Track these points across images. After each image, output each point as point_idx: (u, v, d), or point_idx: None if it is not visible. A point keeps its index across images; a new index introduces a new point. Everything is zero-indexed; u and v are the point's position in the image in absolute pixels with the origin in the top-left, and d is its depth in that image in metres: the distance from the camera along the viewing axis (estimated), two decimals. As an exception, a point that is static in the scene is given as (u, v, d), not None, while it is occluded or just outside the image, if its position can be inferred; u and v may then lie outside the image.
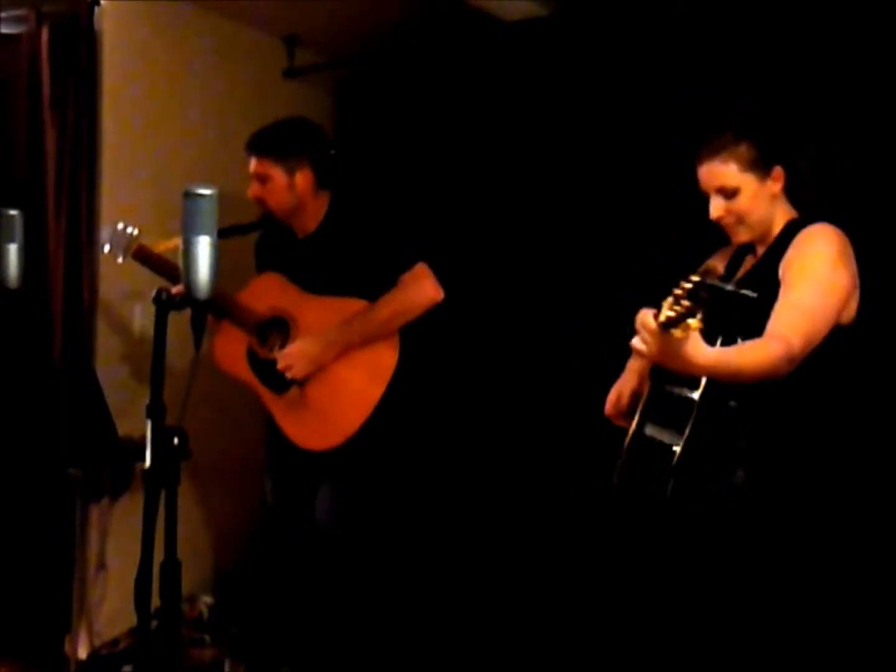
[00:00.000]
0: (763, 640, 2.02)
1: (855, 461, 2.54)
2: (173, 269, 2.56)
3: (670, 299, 1.54)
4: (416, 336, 2.67)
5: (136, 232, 2.62)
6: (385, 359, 2.61)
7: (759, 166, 2.03)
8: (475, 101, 3.58)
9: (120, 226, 2.63)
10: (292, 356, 2.57)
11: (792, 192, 2.13)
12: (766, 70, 2.80)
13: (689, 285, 1.50)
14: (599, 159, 3.23)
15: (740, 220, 2.07)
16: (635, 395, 2.31)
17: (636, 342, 1.72)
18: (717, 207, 2.07)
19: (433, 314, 2.65)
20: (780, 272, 1.99)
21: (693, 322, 1.51)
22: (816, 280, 1.93)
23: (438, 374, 3.39)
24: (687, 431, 1.90)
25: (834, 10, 2.72)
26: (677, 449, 1.90)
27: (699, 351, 1.69)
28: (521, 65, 3.45)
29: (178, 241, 2.41)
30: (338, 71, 3.89)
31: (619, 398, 2.31)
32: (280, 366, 2.58)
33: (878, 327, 2.62)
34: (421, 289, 2.62)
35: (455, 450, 3.54)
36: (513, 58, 3.45)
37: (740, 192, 2.04)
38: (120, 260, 2.65)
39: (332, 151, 2.71)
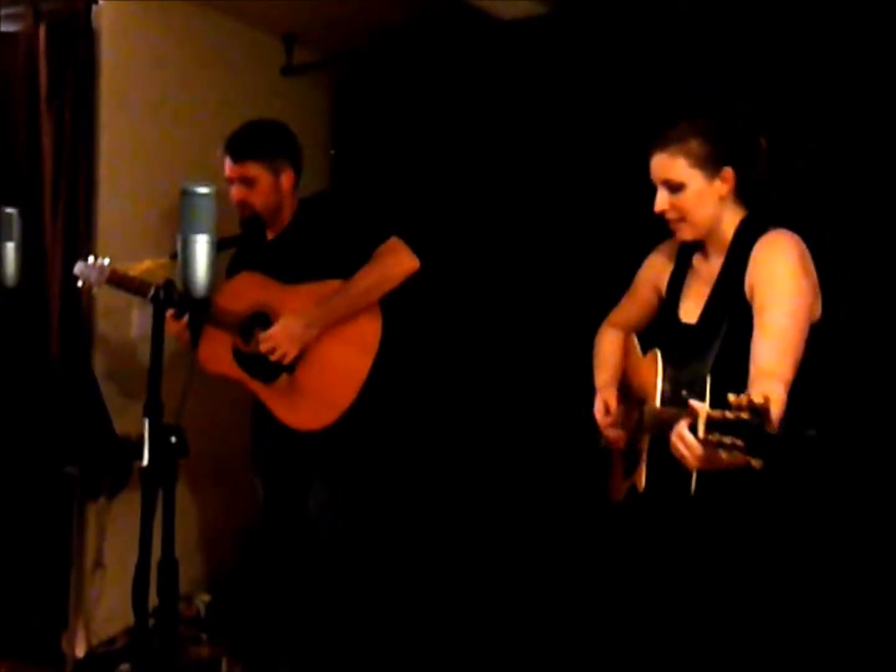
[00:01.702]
0: (784, 641, 2.03)
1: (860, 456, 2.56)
2: (147, 288, 2.56)
3: (704, 419, 1.51)
4: (409, 318, 2.72)
5: (106, 262, 2.66)
6: (369, 330, 2.62)
7: (709, 164, 2.00)
8: (473, 100, 3.58)
9: (91, 260, 2.69)
10: (275, 337, 2.56)
11: (791, 192, 2.13)
12: (767, 70, 2.80)
13: (736, 417, 1.47)
14: (598, 158, 3.23)
15: (683, 216, 2.04)
16: (622, 407, 2.31)
17: (680, 451, 1.70)
18: (661, 200, 2.04)
19: (429, 303, 2.67)
20: (747, 291, 1.97)
21: (755, 462, 1.47)
22: (787, 301, 1.90)
23: (432, 362, 3.40)
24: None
25: (834, 9, 2.72)
26: (692, 480, 1.89)
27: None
28: (519, 64, 3.45)
29: (149, 263, 2.59)
30: (336, 69, 3.89)
31: (607, 409, 2.30)
32: (263, 348, 2.57)
33: (877, 324, 2.65)
34: (396, 259, 2.63)
35: (449, 438, 3.54)
36: (511, 56, 3.45)
37: (685, 187, 2.01)
38: (95, 290, 2.72)
39: (332, 151, 2.72)
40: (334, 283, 2.62)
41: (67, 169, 2.99)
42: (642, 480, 2.11)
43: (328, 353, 2.60)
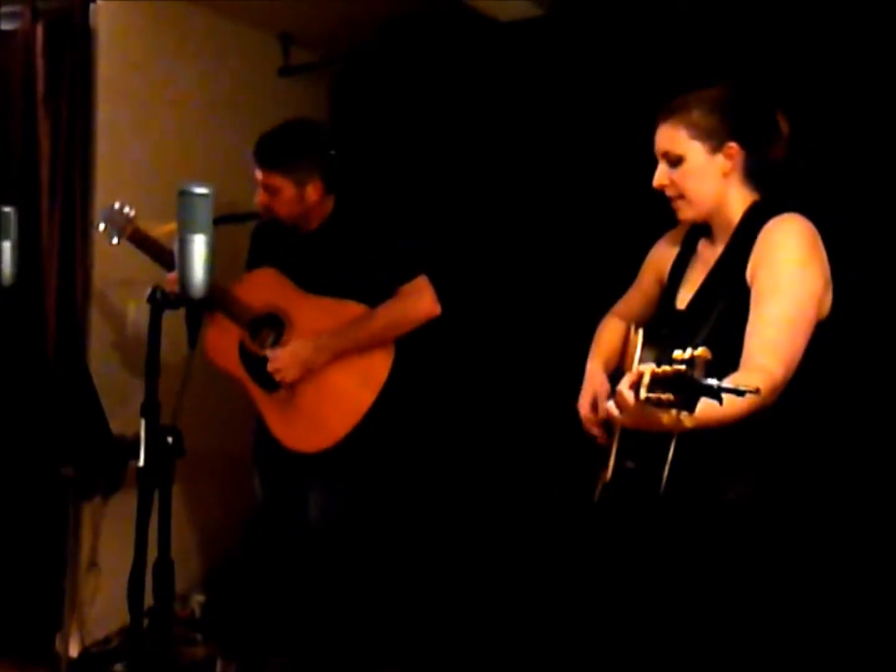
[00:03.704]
0: (762, 651, 1.97)
1: (850, 462, 2.55)
2: (168, 255, 2.53)
3: (649, 376, 1.39)
4: (411, 345, 2.66)
5: (132, 213, 2.58)
6: (378, 366, 2.60)
7: (711, 137, 1.88)
8: (470, 101, 3.58)
9: (117, 205, 2.60)
10: (283, 358, 2.56)
11: (791, 191, 2.08)
12: (767, 70, 2.79)
13: (673, 369, 1.35)
14: (596, 159, 3.23)
15: (682, 193, 1.92)
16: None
17: (611, 409, 1.59)
18: (660, 174, 1.93)
19: (431, 323, 2.64)
20: (749, 276, 1.83)
21: (686, 419, 1.37)
22: (789, 291, 1.77)
23: (433, 383, 3.39)
24: (670, 456, 1.78)
25: (835, 9, 2.72)
26: (663, 476, 1.79)
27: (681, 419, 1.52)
28: (516, 65, 3.45)
29: (173, 226, 2.45)
30: (333, 69, 3.89)
31: (594, 402, 2.10)
32: (270, 367, 2.57)
33: (879, 323, 2.64)
34: (419, 302, 2.60)
35: (448, 459, 3.53)
36: (508, 57, 3.45)
37: (685, 160, 1.89)
38: (115, 241, 2.60)
39: (332, 151, 2.69)
40: (354, 308, 2.59)
41: (64, 168, 2.99)
42: (608, 472, 1.94)
43: (333, 379, 2.59)
